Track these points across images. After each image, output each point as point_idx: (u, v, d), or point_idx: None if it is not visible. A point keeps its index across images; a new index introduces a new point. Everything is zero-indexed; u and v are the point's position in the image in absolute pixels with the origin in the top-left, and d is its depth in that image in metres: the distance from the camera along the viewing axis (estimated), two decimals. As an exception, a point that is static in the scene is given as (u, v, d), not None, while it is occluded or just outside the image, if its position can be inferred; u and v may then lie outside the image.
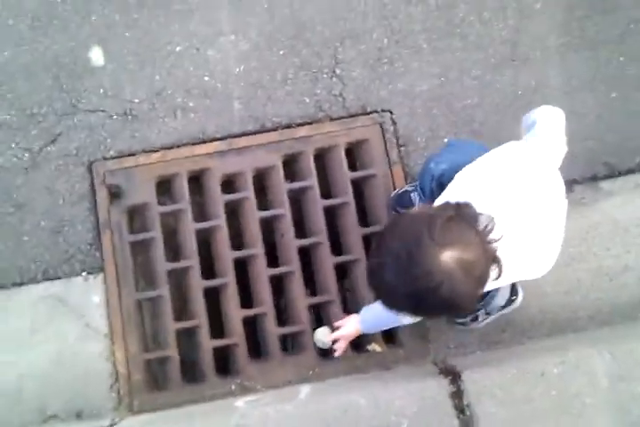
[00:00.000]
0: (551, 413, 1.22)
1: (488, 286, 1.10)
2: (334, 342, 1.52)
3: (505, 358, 1.29)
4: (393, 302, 1.10)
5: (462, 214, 1.05)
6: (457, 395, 1.26)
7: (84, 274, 1.73)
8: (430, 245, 1.00)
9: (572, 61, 1.68)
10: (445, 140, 1.62)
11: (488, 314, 1.42)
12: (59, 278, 1.72)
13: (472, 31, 1.71)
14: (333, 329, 1.52)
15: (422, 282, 1.00)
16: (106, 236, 1.71)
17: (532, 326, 1.43)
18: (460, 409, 1.25)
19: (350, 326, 1.48)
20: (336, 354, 1.52)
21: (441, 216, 1.03)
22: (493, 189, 1.14)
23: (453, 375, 1.28)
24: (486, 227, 1.05)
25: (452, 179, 1.21)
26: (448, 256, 0.99)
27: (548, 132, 1.21)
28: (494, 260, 1.05)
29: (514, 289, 1.43)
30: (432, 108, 1.68)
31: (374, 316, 1.44)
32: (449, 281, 0.99)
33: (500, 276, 1.07)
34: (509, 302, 1.39)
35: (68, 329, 1.69)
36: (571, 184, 1.51)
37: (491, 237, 1.04)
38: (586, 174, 1.60)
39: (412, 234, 1.03)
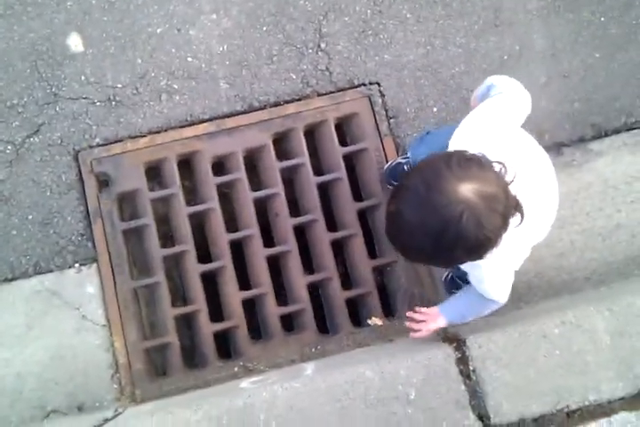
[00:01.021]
0: (555, 372, 1.27)
1: (511, 245, 1.12)
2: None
3: (506, 323, 1.34)
4: (412, 247, 1.10)
5: (478, 157, 1.09)
6: (462, 361, 1.31)
7: (76, 265, 1.76)
8: (449, 177, 1.03)
9: (554, 24, 1.73)
10: (434, 109, 1.67)
11: None
12: (51, 271, 1.75)
13: (455, -1, 1.76)
14: None
15: (443, 212, 1.02)
16: (97, 225, 1.75)
17: (530, 290, 1.49)
18: (467, 375, 1.31)
19: (440, 321, 1.39)
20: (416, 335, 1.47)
21: (458, 154, 1.08)
22: (487, 145, 1.19)
23: (457, 342, 1.34)
24: (501, 170, 1.09)
25: None
26: (468, 188, 1.03)
27: (507, 85, 1.27)
28: (513, 202, 1.08)
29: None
30: (420, 78, 1.74)
31: (456, 308, 1.40)
32: (470, 211, 1.02)
33: (521, 221, 1.10)
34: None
35: (64, 322, 1.73)
36: (559, 147, 1.58)
37: (507, 179, 1.09)
38: (573, 137, 1.66)
39: (431, 169, 1.07)
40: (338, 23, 1.78)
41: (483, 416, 1.28)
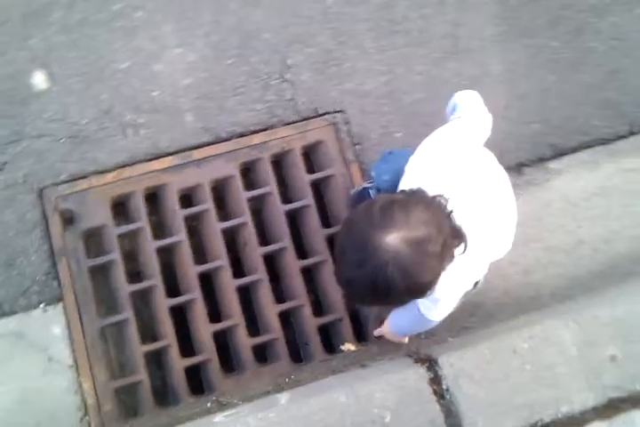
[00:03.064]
0: (527, 386, 1.38)
1: (459, 270, 1.25)
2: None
3: (476, 340, 1.45)
4: (358, 296, 1.25)
5: (409, 197, 1.21)
6: (435, 381, 1.42)
7: (42, 306, 1.84)
8: (371, 230, 1.14)
9: (510, 49, 1.92)
10: (397, 134, 1.83)
11: None
12: (15, 313, 1.83)
13: (414, 28, 1.94)
14: None
15: (370, 265, 1.13)
16: (62, 263, 1.84)
17: (499, 308, 1.60)
18: (440, 394, 1.41)
19: (388, 334, 1.64)
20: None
21: (378, 202, 1.19)
22: (440, 170, 1.33)
23: (429, 362, 1.44)
24: (440, 204, 1.21)
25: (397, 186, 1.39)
26: (392, 238, 1.12)
27: (468, 107, 1.42)
28: (454, 234, 1.19)
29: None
30: (382, 105, 1.89)
31: (399, 319, 1.58)
32: (395, 262, 1.11)
33: (465, 250, 1.21)
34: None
35: (30, 365, 1.79)
36: (519, 167, 1.73)
37: (446, 211, 1.20)
38: (533, 157, 1.82)
39: (355, 225, 1.19)
40: (302, 54, 1.95)
41: (458, 436, 1.38)
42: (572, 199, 1.77)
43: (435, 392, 1.40)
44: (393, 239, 1.12)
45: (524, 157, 1.78)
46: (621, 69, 1.92)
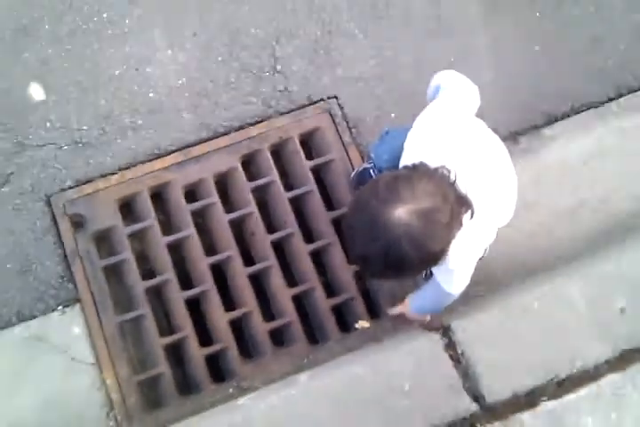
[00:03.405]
0: (540, 344, 1.43)
1: (469, 238, 1.29)
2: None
3: (486, 305, 1.51)
4: (372, 271, 1.30)
5: (412, 171, 1.26)
6: (450, 346, 1.47)
7: (59, 308, 1.91)
8: (379, 206, 1.19)
9: (494, 24, 1.99)
10: (392, 115, 1.89)
11: None
12: (34, 317, 1.90)
13: (397, 12, 2.01)
14: None
15: (382, 240, 1.18)
16: (76, 265, 1.91)
17: (506, 274, 1.65)
18: (456, 359, 1.46)
19: (408, 314, 1.67)
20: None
21: (382, 179, 1.24)
22: (439, 142, 1.38)
23: (443, 329, 1.50)
24: (442, 174, 1.26)
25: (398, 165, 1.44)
26: (400, 211, 1.17)
27: (452, 83, 1.48)
28: (460, 202, 1.24)
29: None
30: (374, 88, 1.96)
31: (420, 300, 1.62)
32: (407, 234, 1.17)
33: (472, 215, 1.26)
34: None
35: (53, 367, 1.86)
36: (515, 136, 1.80)
37: (449, 181, 1.25)
38: (526, 125, 1.89)
39: (363, 204, 1.24)
40: (290, 46, 2.02)
41: (478, 397, 1.43)
42: (568, 163, 1.83)
43: (451, 357, 1.46)
44: (402, 213, 1.18)
45: (519, 126, 1.85)
46: (604, 35, 1.98)
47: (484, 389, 1.42)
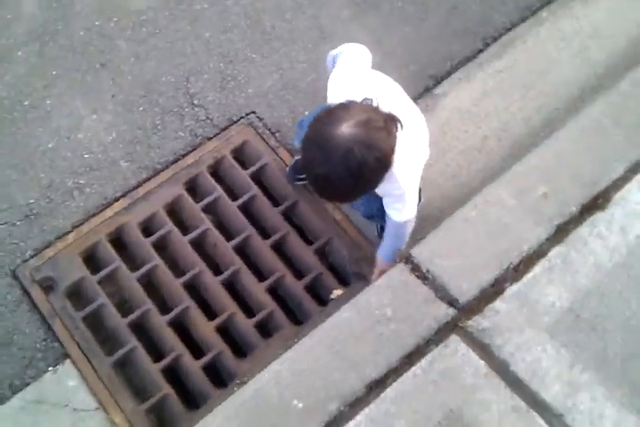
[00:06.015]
0: (488, 243, 1.75)
1: (407, 152, 1.63)
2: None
3: (432, 218, 1.85)
4: (335, 190, 1.57)
5: (341, 102, 1.59)
6: (415, 269, 1.76)
7: (50, 369, 2.12)
8: (326, 129, 1.51)
9: (366, 21, 2.51)
10: (306, 113, 2.31)
11: None
12: (28, 385, 2.10)
13: (283, 31, 2.49)
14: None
15: (341, 152, 1.48)
16: (57, 324, 2.15)
17: (443, 211, 1.99)
18: (423, 277, 1.75)
19: (384, 268, 1.93)
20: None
21: (322, 111, 1.58)
22: (355, 91, 1.72)
23: (405, 258, 1.80)
24: (368, 101, 1.59)
25: None
26: (344, 126, 1.50)
27: (343, 47, 1.88)
28: (387, 116, 1.56)
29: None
30: (284, 96, 2.39)
31: (384, 248, 1.93)
32: (355, 140, 1.47)
33: (402, 127, 1.58)
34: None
35: (59, 423, 2.05)
36: (414, 101, 2.21)
37: (374, 106, 1.58)
38: (420, 90, 2.36)
39: (313, 133, 1.56)
40: (200, 82, 2.45)
41: (452, 302, 1.71)
42: (463, 109, 2.29)
43: (418, 277, 1.75)
44: (345, 127, 1.51)
45: (415, 92, 2.29)
46: (458, 3, 2.54)
47: (455, 293, 1.70)
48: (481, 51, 2.45)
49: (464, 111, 2.31)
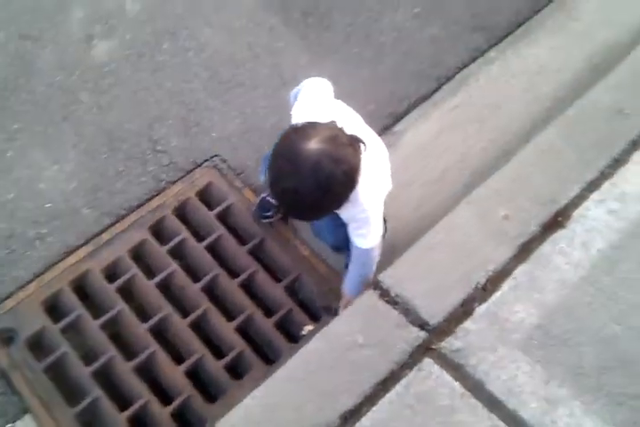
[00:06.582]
0: (454, 263, 1.80)
1: (371, 176, 1.69)
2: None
3: (400, 255, 1.89)
4: (302, 204, 1.61)
5: (307, 122, 1.66)
6: (384, 294, 1.78)
7: (9, 426, 2.06)
8: (295, 145, 1.57)
9: (326, 66, 2.63)
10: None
11: None
12: (-15, 450, 2.03)
13: (244, 78, 2.61)
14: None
15: (309, 165, 1.54)
16: (16, 377, 2.10)
17: (407, 242, 1.96)
18: (393, 302, 1.77)
19: (350, 299, 1.95)
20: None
21: (289, 130, 1.65)
22: (318, 114, 1.81)
23: (374, 284, 1.83)
24: (333, 123, 1.66)
25: None
26: (312, 142, 1.56)
27: (305, 82, 1.97)
28: (352, 137, 1.63)
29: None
30: (248, 138, 2.47)
31: (350, 280, 1.96)
32: (323, 154, 1.53)
33: (366, 147, 1.65)
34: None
35: (20, 483, 1.97)
36: (376, 138, 2.35)
37: (339, 127, 1.64)
38: (381, 127, 2.46)
39: (282, 148, 1.62)
40: (164, 128, 2.52)
41: (422, 325, 1.73)
42: (422, 144, 2.42)
43: (387, 302, 1.77)
44: (313, 143, 1.57)
45: (375, 130, 2.33)
46: (411, 47, 2.69)
47: (425, 315, 1.72)
48: (436, 90, 2.60)
49: (423, 146, 2.42)
